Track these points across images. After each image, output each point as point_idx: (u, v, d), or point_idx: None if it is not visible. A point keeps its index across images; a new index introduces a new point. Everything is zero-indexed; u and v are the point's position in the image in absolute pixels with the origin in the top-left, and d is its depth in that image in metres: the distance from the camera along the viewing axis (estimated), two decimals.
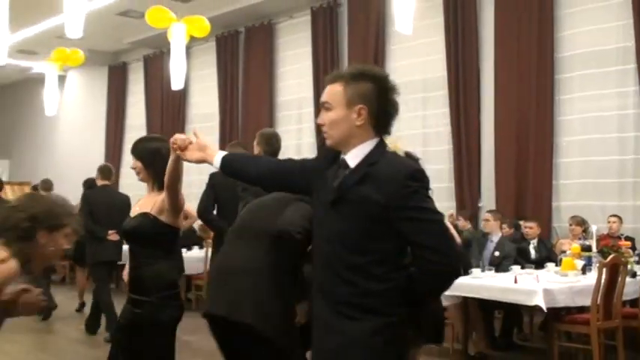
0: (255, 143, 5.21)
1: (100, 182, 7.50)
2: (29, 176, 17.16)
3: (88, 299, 7.83)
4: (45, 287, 7.80)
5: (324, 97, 2.35)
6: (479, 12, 8.92)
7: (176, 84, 7.67)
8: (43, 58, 11.72)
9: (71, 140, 16.14)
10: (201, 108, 12.92)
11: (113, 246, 7.10)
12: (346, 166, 2.31)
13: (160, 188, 3.21)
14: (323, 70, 10.49)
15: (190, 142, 2.62)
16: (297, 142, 10.92)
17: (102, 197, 7.31)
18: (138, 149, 3.43)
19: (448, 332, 6.51)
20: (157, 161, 3.25)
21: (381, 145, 2.34)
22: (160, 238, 3.20)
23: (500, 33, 8.63)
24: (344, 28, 10.41)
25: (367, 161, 2.28)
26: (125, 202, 7.13)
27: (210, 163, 2.57)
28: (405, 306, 2.30)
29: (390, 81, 2.37)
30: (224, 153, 2.58)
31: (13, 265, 2.29)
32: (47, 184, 10.10)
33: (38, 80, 16.06)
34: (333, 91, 2.32)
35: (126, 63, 14.98)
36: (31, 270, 2.40)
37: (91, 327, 7.30)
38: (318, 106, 10.56)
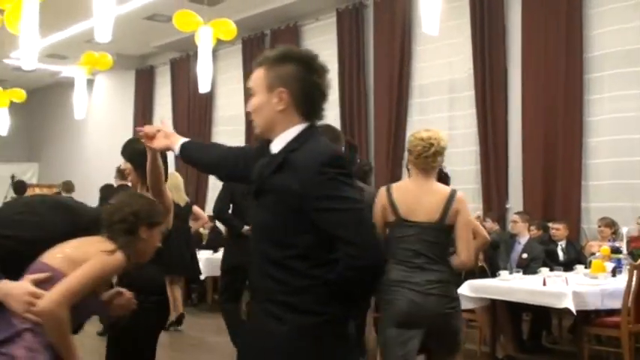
0: None
1: (117, 182, 7.65)
2: (58, 179, 17.37)
3: None
4: None
5: (249, 83, 2.26)
6: (506, 11, 8.85)
7: (203, 87, 7.72)
8: (72, 62, 11.85)
9: (99, 143, 16.31)
10: (227, 110, 12.98)
11: None
12: (270, 154, 2.20)
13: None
14: (348, 72, 10.49)
15: (158, 131, 2.60)
16: None
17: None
18: (127, 151, 3.36)
19: (476, 335, 6.49)
20: (145, 161, 3.11)
21: (308, 131, 2.18)
22: None
23: (528, 32, 8.55)
24: (369, 30, 10.40)
25: (288, 148, 2.14)
26: None
27: (174, 151, 2.56)
28: (341, 304, 2.12)
29: (315, 62, 2.22)
30: (184, 140, 2.56)
31: (119, 257, 2.40)
32: (68, 186, 10.27)
33: (67, 84, 16.27)
34: (256, 76, 2.23)
35: (153, 66, 15.12)
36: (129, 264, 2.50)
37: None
38: (344, 109, 10.64)
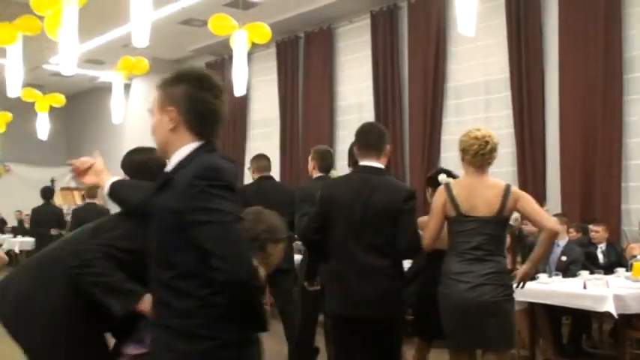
0: (309, 158, 5.41)
1: (88, 200, 8.15)
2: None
3: None
4: None
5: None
6: (542, 11, 8.74)
7: (238, 90, 7.76)
8: (110, 67, 12.02)
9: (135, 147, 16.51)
10: (262, 114, 13.04)
11: None
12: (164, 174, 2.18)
13: None
14: (383, 74, 10.47)
15: (90, 167, 2.61)
16: None
17: (86, 212, 7.94)
18: (124, 163, 3.25)
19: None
20: (142, 174, 2.98)
21: (199, 150, 2.15)
22: None
23: (565, 32, 8.43)
24: (404, 31, 10.36)
25: (177, 167, 2.13)
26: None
27: (103, 189, 2.58)
28: (235, 326, 2.04)
29: (207, 81, 2.21)
30: (114, 180, 2.57)
31: (262, 273, 2.36)
32: (91, 191, 10.41)
33: (105, 89, 16.50)
34: (154, 98, 2.24)
35: None
36: None
37: None
38: (379, 110, 10.62)
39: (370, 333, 3.54)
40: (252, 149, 12.90)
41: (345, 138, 10.97)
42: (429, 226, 3.79)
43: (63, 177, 18.99)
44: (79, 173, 2.65)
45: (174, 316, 2.03)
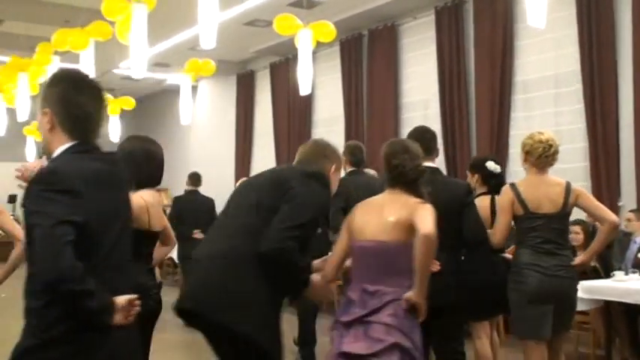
0: (341, 153, 5.54)
1: (188, 188, 8.58)
2: (165, 183, 17.95)
3: None
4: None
5: None
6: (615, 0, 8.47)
7: (304, 89, 7.79)
8: (176, 69, 12.26)
9: (203, 148, 16.80)
10: (327, 112, 13.07)
11: (198, 244, 7.48)
12: None
13: (134, 188, 3.25)
14: (448, 70, 10.34)
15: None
16: None
17: (189, 201, 8.40)
18: (118, 150, 3.38)
19: (589, 338, 6.24)
20: (128, 163, 3.11)
21: (68, 151, 2.21)
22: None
23: (639, 21, 8.14)
24: (469, 26, 10.20)
25: None
26: (210, 205, 8.30)
27: None
28: (72, 326, 2.05)
29: (82, 82, 2.26)
30: None
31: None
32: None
33: (172, 91, 16.84)
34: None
35: (253, 71, 15.42)
36: None
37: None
38: (444, 107, 10.49)
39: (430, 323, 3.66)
40: None
41: None
42: (498, 224, 4.03)
43: None
44: (25, 179, 2.74)
45: (26, 313, 2.15)
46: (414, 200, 3.11)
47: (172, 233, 3.74)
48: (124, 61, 13.39)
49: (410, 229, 2.95)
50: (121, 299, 2.18)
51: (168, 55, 13.52)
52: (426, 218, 2.93)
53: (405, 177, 3.19)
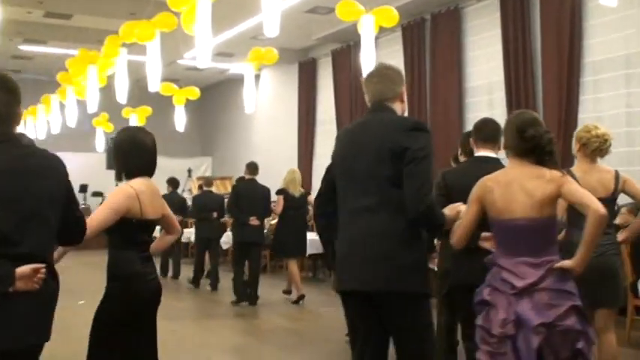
0: None
1: (247, 176, 9.04)
2: (230, 172, 18.31)
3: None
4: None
5: None
6: None
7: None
8: (239, 59, 12.39)
9: (266, 136, 16.98)
10: None
11: (254, 230, 8.58)
12: None
13: (125, 178, 3.46)
14: (514, 53, 10.12)
15: None
16: None
17: (247, 189, 8.86)
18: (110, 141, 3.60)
19: None
20: (115, 152, 3.56)
21: None
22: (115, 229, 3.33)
23: None
24: (536, 7, 9.95)
25: None
26: (265, 193, 8.85)
27: None
28: None
29: None
30: None
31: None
32: (208, 181, 11.06)
33: (235, 80, 17.04)
34: None
35: (315, 59, 15.45)
36: None
37: (241, 296, 8.66)
38: (510, 91, 10.26)
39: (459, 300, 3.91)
40: None
41: (475, 120, 10.72)
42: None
43: (199, 167, 19.86)
44: None
45: None
46: (555, 174, 3.15)
47: (176, 222, 3.77)
48: (189, 51, 13.62)
49: (556, 202, 3.17)
50: (25, 268, 2.44)
51: (231, 45, 13.66)
52: (590, 197, 3.12)
53: (542, 148, 3.18)
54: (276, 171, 12.36)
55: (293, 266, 8.89)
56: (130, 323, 3.31)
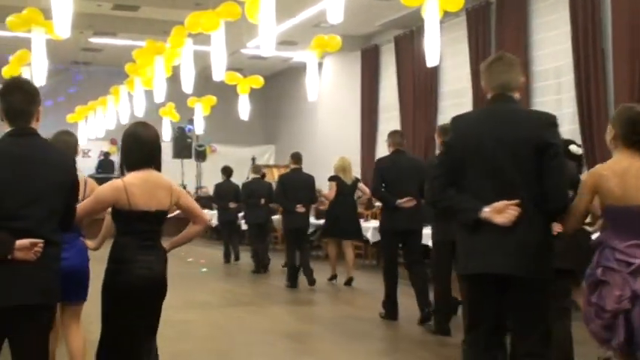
0: (436, 135, 6.34)
1: (292, 166, 9.41)
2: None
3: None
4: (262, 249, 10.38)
5: None
6: None
7: (431, 61, 7.66)
8: (301, 47, 12.43)
9: (329, 124, 17.00)
10: (454, 84, 12.83)
11: (301, 216, 8.95)
12: None
13: (126, 171, 3.72)
14: (583, 35, 9.84)
15: None
16: (556, 113, 10.32)
17: (292, 178, 9.23)
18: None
19: None
20: (120, 147, 3.87)
21: (4, 136, 3.02)
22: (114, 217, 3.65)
23: None
24: None
25: None
26: (310, 182, 9.24)
27: None
28: None
29: (5, 86, 3.05)
30: None
31: None
32: (257, 168, 11.26)
33: (297, 68, 17.12)
34: None
35: (377, 45, 15.37)
36: None
37: (293, 280, 8.98)
38: (579, 75, 9.97)
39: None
40: (443, 121, 12.71)
41: (543, 105, 10.49)
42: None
43: (262, 155, 20.07)
44: None
45: None
46: None
47: (199, 213, 3.86)
48: (252, 40, 13.74)
49: None
50: (24, 240, 2.87)
51: (294, 33, 13.72)
52: None
53: None
54: (336, 158, 12.41)
55: (348, 249, 9.23)
56: (127, 305, 3.50)
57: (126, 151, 3.69)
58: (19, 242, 2.86)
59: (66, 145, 4.00)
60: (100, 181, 4.12)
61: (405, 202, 6.64)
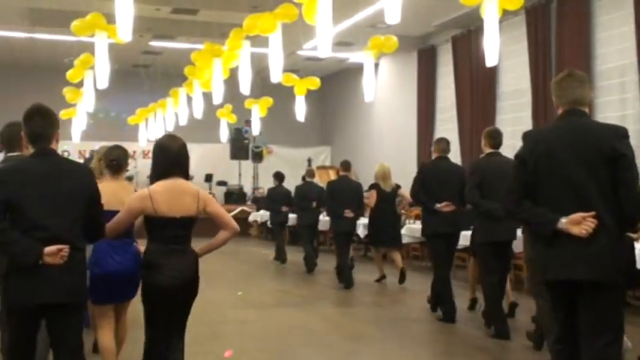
0: (482, 137, 6.47)
1: (341, 173, 9.90)
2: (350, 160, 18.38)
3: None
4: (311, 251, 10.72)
5: None
6: None
7: (490, 60, 7.52)
8: (357, 48, 12.41)
9: (385, 125, 16.93)
10: (512, 85, 12.61)
11: (349, 221, 9.28)
12: None
13: (155, 180, 4.00)
14: None
15: None
16: (620, 113, 10.08)
17: (340, 185, 9.63)
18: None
19: None
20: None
21: (29, 155, 3.61)
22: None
23: None
24: None
25: None
26: (358, 188, 9.63)
27: None
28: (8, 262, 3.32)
29: (27, 113, 3.48)
30: None
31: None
32: (310, 173, 11.73)
33: (353, 69, 17.11)
34: None
35: (434, 46, 15.23)
36: None
37: (346, 281, 9.23)
38: None
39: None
40: (501, 122, 12.56)
41: (605, 105, 10.23)
42: None
43: (318, 156, 20.12)
44: None
45: None
46: None
47: (228, 219, 3.99)
48: (309, 42, 13.79)
49: None
50: (51, 247, 3.26)
51: (350, 34, 13.71)
52: None
53: None
54: (396, 159, 12.35)
55: (395, 255, 9.41)
56: (160, 306, 3.79)
57: (154, 161, 3.94)
58: (48, 249, 3.25)
59: (122, 154, 4.55)
60: None
61: (444, 206, 6.83)
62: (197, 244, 3.97)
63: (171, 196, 3.79)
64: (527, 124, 11.30)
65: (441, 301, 7.00)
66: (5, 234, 3.25)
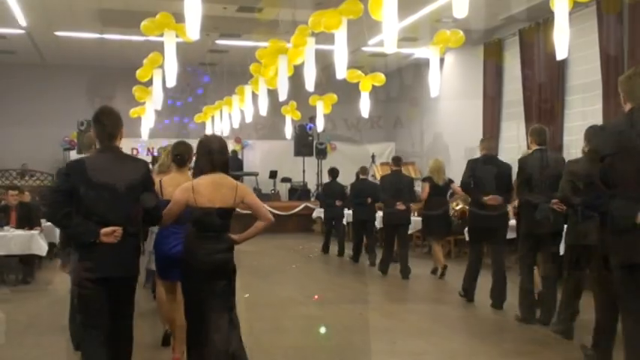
0: (529, 139, 6.85)
1: (393, 168, 10.32)
2: (411, 157, 18.30)
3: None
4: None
5: None
6: None
7: (560, 53, 7.35)
8: (422, 43, 12.31)
9: (450, 120, 16.77)
10: (582, 78, 12.29)
11: (400, 214, 9.74)
12: None
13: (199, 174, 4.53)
14: None
15: None
16: None
17: (392, 179, 10.10)
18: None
19: None
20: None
21: (95, 152, 4.21)
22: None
23: None
24: None
25: None
26: (409, 182, 10.20)
27: None
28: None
29: (96, 114, 4.04)
30: None
31: None
32: (364, 170, 11.92)
33: (417, 65, 17.00)
34: None
35: (501, 39, 14.97)
36: None
37: (384, 268, 10.00)
38: None
39: None
40: (571, 116, 12.27)
41: None
42: None
43: (383, 152, 20.06)
44: None
45: None
46: None
47: (263, 211, 4.42)
48: (373, 38, 13.76)
49: None
50: (107, 228, 3.83)
51: (414, 29, 13.61)
52: None
53: None
54: (462, 154, 12.21)
55: (436, 247, 9.88)
56: (197, 284, 4.20)
57: (197, 158, 4.39)
58: (104, 230, 3.83)
59: (186, 149, 5.10)
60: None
61: (490, 199, 7.23)
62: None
63: (211, 189, 4.24)
64: (597, 119, 11.00)
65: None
66: (70, 217, 3.82)
